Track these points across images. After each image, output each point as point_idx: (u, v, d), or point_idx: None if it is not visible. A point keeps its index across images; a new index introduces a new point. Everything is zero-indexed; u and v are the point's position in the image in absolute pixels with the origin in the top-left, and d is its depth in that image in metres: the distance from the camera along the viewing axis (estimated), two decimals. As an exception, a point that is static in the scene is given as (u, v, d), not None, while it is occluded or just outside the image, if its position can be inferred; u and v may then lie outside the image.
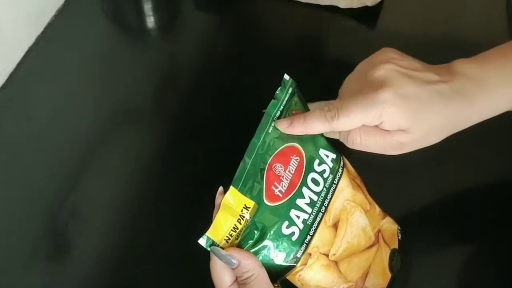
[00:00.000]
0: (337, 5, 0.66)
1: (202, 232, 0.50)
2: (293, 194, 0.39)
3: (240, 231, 0.38)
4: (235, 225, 0.38)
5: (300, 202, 0.39)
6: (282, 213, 0.39)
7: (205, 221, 0.50)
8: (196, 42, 0.65)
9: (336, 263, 0.40)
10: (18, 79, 0.61)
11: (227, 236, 0.38)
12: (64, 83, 0.61)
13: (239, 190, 0.39)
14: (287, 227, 0.39)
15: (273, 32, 0.66)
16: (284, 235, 0.38)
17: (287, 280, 0.40)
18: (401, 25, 0.57)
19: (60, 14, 0.66)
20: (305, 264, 0.39)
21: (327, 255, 0.40)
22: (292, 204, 0.39)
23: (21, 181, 0.54)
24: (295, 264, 0.39)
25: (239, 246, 0.38)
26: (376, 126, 0.41)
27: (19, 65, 0.62)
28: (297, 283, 0.40)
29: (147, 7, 0.69)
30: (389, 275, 0.43)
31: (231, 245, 0.39)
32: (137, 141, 0.57)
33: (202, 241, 0.38)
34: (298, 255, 0.39)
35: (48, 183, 0.53)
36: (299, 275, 0.39)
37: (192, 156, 0.55)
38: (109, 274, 0.48)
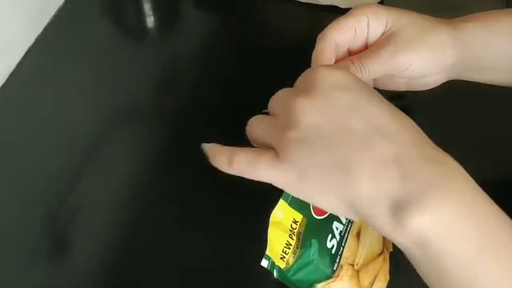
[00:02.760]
0: (337, 5, 0.66)
1: (202, 232, 0.50)
2: None
3: (295, 247, 0.37)
4: (287, 241, 0.37)
5: None
6: (327, 226, 0.38)
7: (206, 221, 0.51)
8: (196, 42, 0.65)
9: (358, 272, 0.40)
10: (18, 79, 0.61)
11: (281, 254, 0.37)
12: (64, 83, 0.61)
13: (288, 204, 0.37)
14: (330, 240, 0.38)
15: (273, 32, 0.66)
16: (328, 249, 0.38)
17: None
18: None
19: (60, 14, 0.66)
20: (338, 276, 0.38)
21: (352, 265, 0.39)
22: (333, 216, 0.38)
23: (21, 181, 0.53)
24: (331, 276, 0.38)
25: (295, 265, 0.37)
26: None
27: (19, 65, 0.62)
28: None
29: (147, 7, 0.69)
30: (388, 278, 0.43)
31: (288, 264, 0.37)
32: (137, 141, 0.57)
33: (264, 263, 0.36)
34: (335, 268, 0.38)
35: (48, 183, 0.53)
36: (329, 285, 0.38)
37: (192, 156, 0.55)
38: (109, 274, 0.48)
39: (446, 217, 0.29)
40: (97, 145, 0.56)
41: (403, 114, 0.33)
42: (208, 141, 0.56)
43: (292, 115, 0.33)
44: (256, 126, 0.36)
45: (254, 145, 0.36)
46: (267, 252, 0.36)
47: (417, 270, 0.32)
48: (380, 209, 0.30)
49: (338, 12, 0.66)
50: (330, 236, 0.38)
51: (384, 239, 0.43)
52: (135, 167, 0.54)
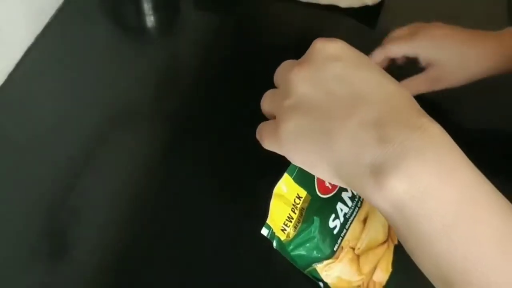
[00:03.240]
0: (337, 5, 0.66)
1: (202, 232, 0.50)
2: (339, 187, 0.39)
3: (297, 221, 0.38)
4: (289, 214, 0.38)
5: (344, 195, 0.39)
6: (331, 206, 0.38)
7: (206, 220, 0.50)
8: (196, 42, 0.65)
9: (358, 256, 0.40)
10: (17, 79, 0.61)
11: (282, 226, 0.37)
12: (63, 82, 0.61)
13: (293, 179, 0.37)
14: (333, 220, 0.38)
15: (273, 32, 0.66)
16: (330, 228, 0.38)
17: (315, 270, 0.39)
18: (401, 24, 0.57)
19: (60, 13, 0.66)
20: (337, 258, 0.39)
21: (353, 249, 0.40)
22: (338, 197, 0.39)
23: (21, 181, 0.53)
24: (331, 257, 0.39)
25: (296, 240, 0.38)
26: None
27: (19, 64, 0.62)
28: (322, 273, 0.40)
29: (147, 7, 0.69)
30: (390, 269, 0.43)
31: (288, 237, 0.38)
32: (137, 141, 0.57)
33: (264, 231, 0.37)
34: (335, 249, 0.39)
35: (48, 183, 0.53)
36: (329, 267, 0.39)
37: (192, 156, 0.55)
38: (109, 274, 0.48)
39: (423, 180, 0.29)
40: (97, 144, 0.56)
41: (393, 82, 0.34)
42: (208, 141, 0.57)
43: (288, 85, 0.35)
44: (265, 100, 0.39)
45: (268, 118, 0.38)
46: (267, 221, 0.37)
47: (398, 236, 0.32)
48: (360, 173, 0.31)
49: (338, 11, 0.66)
50: (333, 216, 0.38)
51: (389, 230, 0.43)
52: (135, 167, 0.54)
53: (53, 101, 0.59)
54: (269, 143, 0.36)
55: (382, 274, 0.43)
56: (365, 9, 0.65)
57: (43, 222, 0.51)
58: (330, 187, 0.39)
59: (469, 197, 0.30)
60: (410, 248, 0.32)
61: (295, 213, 0.38)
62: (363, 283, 0.42)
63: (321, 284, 0.41)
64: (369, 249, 0.41)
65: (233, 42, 0.65)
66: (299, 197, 0.38)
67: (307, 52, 0.37)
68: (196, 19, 0.68)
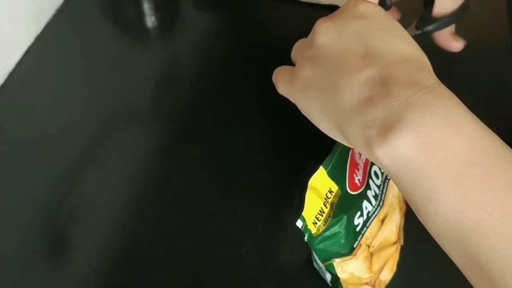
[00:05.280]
0: (337, 5, 0.66)
1: (202, 232, 0.50)
2: (366, 185, 0.39)
3: (327, 216, 0.38)
4: (321, 208, 0.37)
5: (369, 193, 0.39)
6: (358, 203, 0.39)
7: (206, 220, 0.50)
8: (196, 42, 0.65)
9: (371, 254, 0.41)
10: (17, 79, 0.61)
11: (314, 219, 0.37)
12: (63, 83, 0.61)
13: (327, 173, 0.37)
14: (358, 217, 0.38)
15: (273, 32, 0.66)
16: (354, 225, 0.38)
17: (331, 264, 0.39)
18: (401, 24, 0.57)
19: (60, 13, 0.66)
20: (355, 255, 0.39)
21: (368, 246, 0.40)
22: (364, 195, 0.39)
23: (20, 181, 0.53)
24: (350, 254, 0.39)
25: (323, 234, 0.37)
26: None
27: (18, 64, 0.62)
28: (338, 268, 0.39)
29: (147, 7, 0.69)
30: (394, 269, 0.44)
31: (318, 231, 0.38)
32: (137, 141, 0.57)
33: (299, 223, 0.37)
34: (355, 245, 0.39)
35: (48, 183, 0.53)
36: (346, 263, 0.39)
37: (192, 156, 0.55)
38: (109, 274, 0.48)
39: (429, 132, 0.29)
40: (97, 144, 0.56)
41: (413, 48, 0.34)
42: (209, 140, 0.57)
43: (312, 35, 0.36)
44: (294, 48, 0.40)
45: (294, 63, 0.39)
46: (303, 213, 0.37)
47: (403, 194, 0.31)
48: (363, 127, 0.31)
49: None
50: (359, 213, 0.38)
51: (399, 231, 0.43)
52: (135, 167, 0.54)
53: (53, 101, 0.59)
54: (282, 88, 0.37)
55: (388, 273, 0.43)
56: (365, 9, 0.65)
57: (43, 222, 0.51)
58: (359, 184, 0.38)
59: (479, 146, 0.29)
60: (417, 205, 0.30)
61: (327, 207, 0.38)
62: (370, 281, 0.42)
63: (328, 277, 0.41)
64: (381, 248, 0.41)
65: (233, 42, 0.65)
66: (331, 192, 0.38)
67: (340, 8, 0.37)
68: (196, 19, 0.68)
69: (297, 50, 0.38)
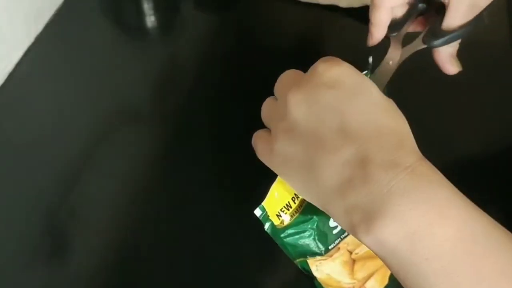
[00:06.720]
0: (337, 5, 0.66)
1: (202, 231, 0.50)
2: None
3: (294, 211, 0.38)
4: (288, 202, 0.37)
5: None
6: None
7: (206, 220, 0.50)
8: (196, 42, 0.65)
9: (354, 261, 0.41)
10: (17, 79, 0.61)
11: (279, 212, 0.37)
12: (63, 83, 0.61)
13: None
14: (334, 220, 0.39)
15: (273, 32, 0.66)
16: (330, 227, 0.38)
17: (306, 262, 0.40)
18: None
19: (59, 13, 0.66)
20: (331, 256, 0.39)
21: (351, 252, 0.40)
22: None
23: (20, 181, 0.53)
24: (323, 254, 0.39)
25: (291, 228, 0.37)
26: None
27: (18, 64, 0.62)
28: (312, 267, 0.40)
29: (147, 7, 0.69)
30: (385, 282, 0.43)
31: (282, 224, 0.38)
32: (137, 141, 0.57)
33: (258, 212, 0.37)
34: (330, 247, 0.39)
35: (48, 183, 0.53)
36: (320, 263, 0.39)
37: (192, 156, 0.55)
38: (109, 274, 0.48)
39: (412, 222, 0.28)
40: (96, 145, 0.56)
41: (388, 115, 0.32)
42: (209, 140, 0.56)
43: (284, 105, 0.35)
44: (264, 109, 0.39)
45: (267, 126, 0.38)
46: (263, 203, 0.37)
47: (396, 277, 0.31)
48: (346, 211, 0.30)
49: (338, 11, 0.66)
50: None
51: None
52: (135, 167, 0.54)
53: (53, 101, 0.59)
54: (262, 157, 0.37)
55: (376, 284, 0.43)
56: (365, 9, 0.65)
57: (43, 222, 0.51)
58: None
59: (466, 234, 0.28)
60: (409, 284, 0.30)
61: (295, 203, 0.38)
62: (353, 287, 0.42)
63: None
64: (367, 257, 0.41)
65: (233, 42, 0.65)
66: None
67: (309, 70, 0.35)
68: (196, 19, 0.68)
69: (269, 115, 0.37)
